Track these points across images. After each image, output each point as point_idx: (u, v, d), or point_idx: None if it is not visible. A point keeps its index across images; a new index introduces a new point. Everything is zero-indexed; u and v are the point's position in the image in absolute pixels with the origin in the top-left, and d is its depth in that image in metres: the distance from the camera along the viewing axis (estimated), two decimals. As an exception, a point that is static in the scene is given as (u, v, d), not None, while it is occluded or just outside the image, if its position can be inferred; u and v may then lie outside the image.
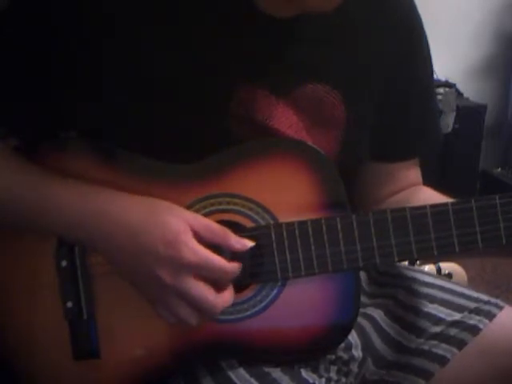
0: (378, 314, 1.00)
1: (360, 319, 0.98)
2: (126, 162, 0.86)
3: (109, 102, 0.85)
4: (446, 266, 2.10)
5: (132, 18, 0.83)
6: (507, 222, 0.82)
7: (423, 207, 0.83)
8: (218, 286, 0.80)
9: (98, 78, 0.84)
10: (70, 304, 0.86)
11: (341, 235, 0.83)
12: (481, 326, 0.95)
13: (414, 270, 1.06)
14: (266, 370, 0.86)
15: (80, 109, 0.86)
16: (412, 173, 1.04)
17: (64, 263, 0.86)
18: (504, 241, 0.83)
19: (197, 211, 0.84)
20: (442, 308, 0.98)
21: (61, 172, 0.85)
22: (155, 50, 0.84)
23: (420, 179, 1.05)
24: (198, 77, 0.85)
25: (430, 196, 0.99)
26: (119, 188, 0.84)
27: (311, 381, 0.87)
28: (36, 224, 0.86)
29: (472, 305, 0.98)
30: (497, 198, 0.82)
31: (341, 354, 0.93)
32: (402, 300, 1.01)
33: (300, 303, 0.85)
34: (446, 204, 0.83)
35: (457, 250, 0.83)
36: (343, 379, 0.92)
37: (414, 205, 0.84)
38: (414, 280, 1.03)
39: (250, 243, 0.81)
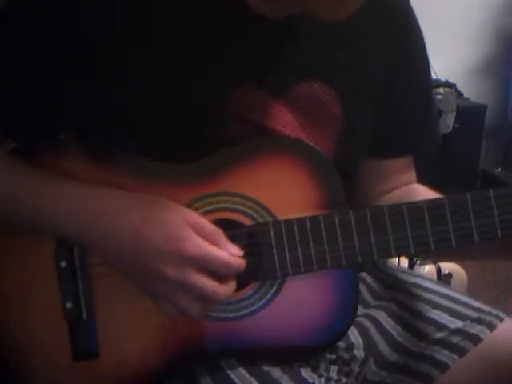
0: (381, 316, 1.00)
1: (363, 320, 0.98)
2: (124, 162, 0.86)
3: (108, 102, 0.85)
4: (447, 267, 2.10)
5: (131, 19, 0.83)
6: (502, 216, 0.82)
7: (419, 202, 0.83)
8: (221, 280, 0.80)
9: (97, 78, 0.84)
10: (69, 305, 0.86)
11: (339, 231, 0.83)
12: (482, 335, 0.95)
13: (416, 276, 1.06)
14: (266, 369, 0.86)
15: (80, 109, 0.86)
16: (407, 172, 1.04)
17: (63, 264, 0.86)
18: (500, 233, 0.83)
19: (195, 210, 0.83)
20: (444, 314, 0.98)
21: (59, 173, 0.85)
22: (154, 51, 0.84)
23: (414, 179, 1.05)
24: (195, 77, 0.85)
25: (424, 194, 0.99)
26: (118, 188, 0.84)
27: (311, 380, 0.87)
28: (35, 225, 0.86)
29: (474, 314, 0.98)
30: (491, 191, 0.82)
31: (342, 353, 0.93)
32: (406, 303, 1.01)
33: (299, 301, 0.86)
34: (441, 198, 0.84)
35: (453, 243, 0.83)
36: (344, 379, 0.92)
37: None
38: (416, 285, 1.03)
39: (237, 252, 0.81)
